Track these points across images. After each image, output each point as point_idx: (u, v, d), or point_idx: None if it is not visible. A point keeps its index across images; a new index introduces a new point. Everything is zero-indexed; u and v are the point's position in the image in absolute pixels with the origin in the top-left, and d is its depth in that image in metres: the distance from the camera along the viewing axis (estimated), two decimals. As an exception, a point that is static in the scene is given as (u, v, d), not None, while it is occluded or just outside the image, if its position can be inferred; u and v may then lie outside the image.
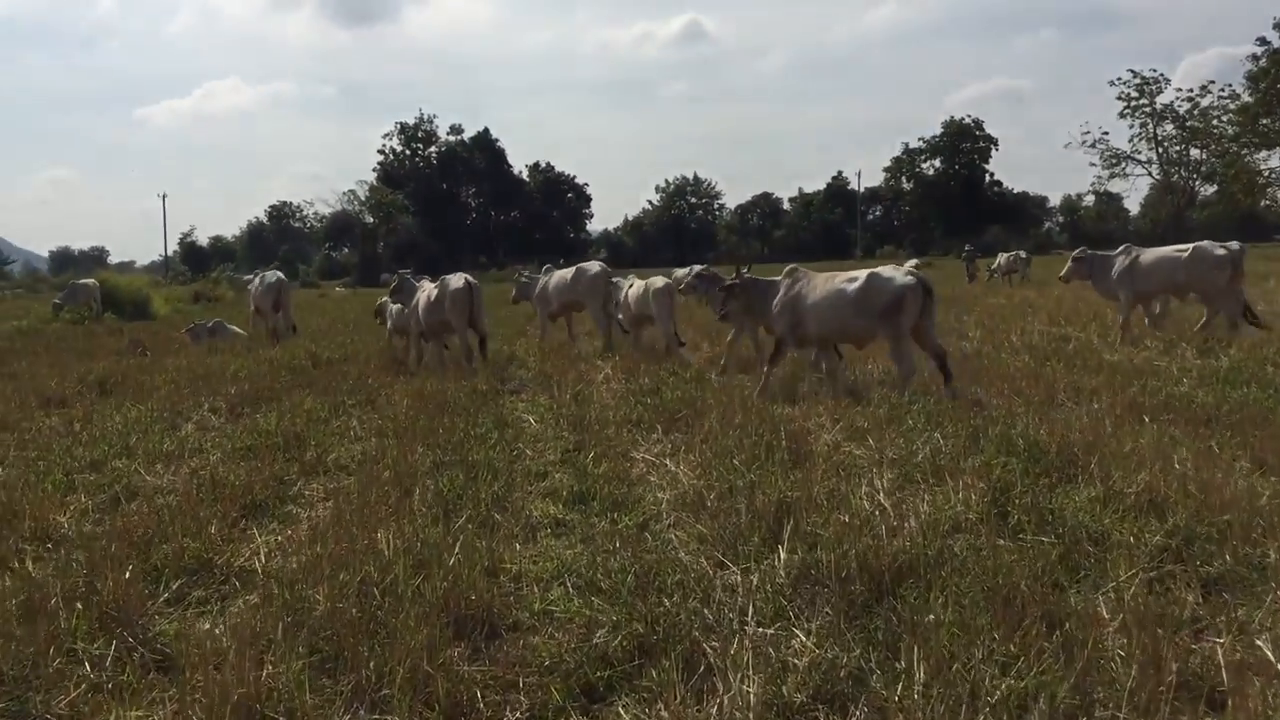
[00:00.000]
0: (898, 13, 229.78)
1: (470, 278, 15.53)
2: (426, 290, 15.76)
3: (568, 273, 18.13)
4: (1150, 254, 16.04)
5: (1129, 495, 6.19)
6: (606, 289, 17.38)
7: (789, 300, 11.61)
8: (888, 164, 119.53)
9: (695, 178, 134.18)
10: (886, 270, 11.23)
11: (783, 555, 5.40)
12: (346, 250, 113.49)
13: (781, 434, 8.24)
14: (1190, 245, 15.68)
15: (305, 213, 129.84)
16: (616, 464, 8.08)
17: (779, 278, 12.13)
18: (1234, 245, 15.75)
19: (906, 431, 8.66)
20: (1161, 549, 5.29)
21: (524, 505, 7.03)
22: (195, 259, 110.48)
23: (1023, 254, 40.93)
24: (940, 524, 5.92)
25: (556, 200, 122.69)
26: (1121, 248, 16.56)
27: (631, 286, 16.68)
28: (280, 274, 22.55)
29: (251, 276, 25.09)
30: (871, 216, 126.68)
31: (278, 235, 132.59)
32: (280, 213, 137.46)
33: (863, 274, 11.14)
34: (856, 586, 5.00)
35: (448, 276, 15.71)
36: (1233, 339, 13.92)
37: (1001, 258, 41.06)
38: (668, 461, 8.16)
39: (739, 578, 5.28)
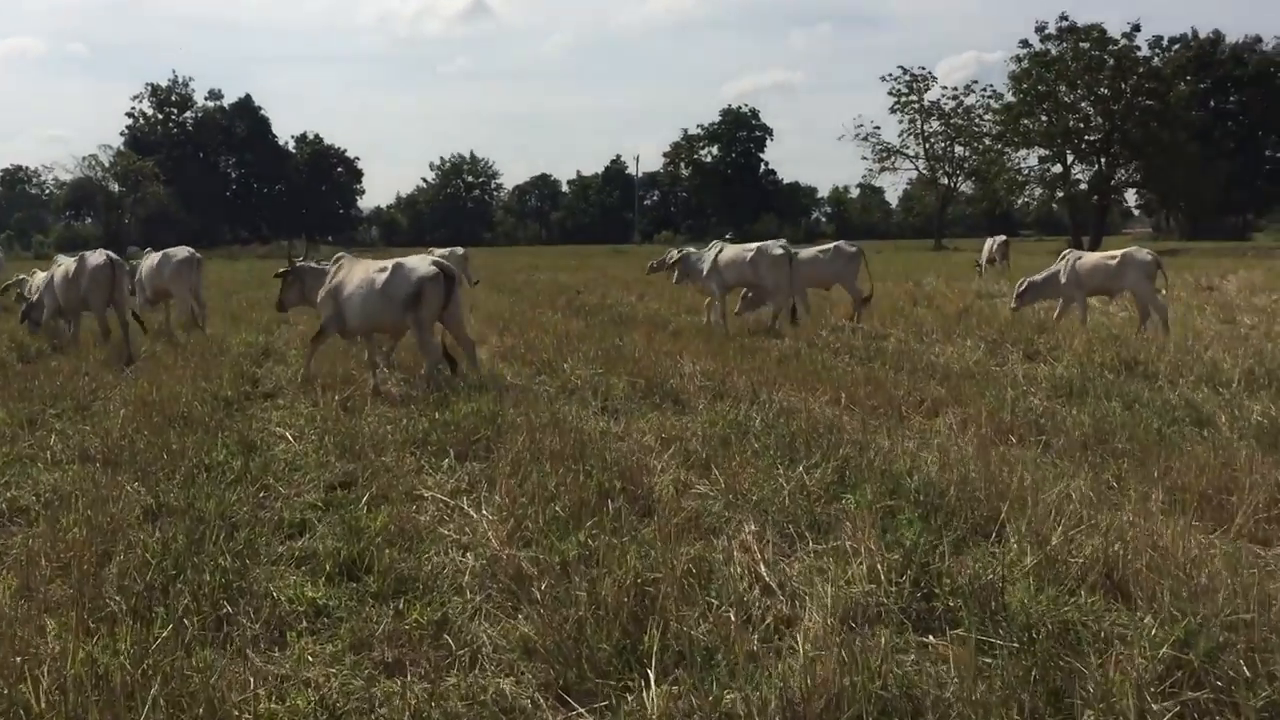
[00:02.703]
0: (680, 2, 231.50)
1: (112, 254, 14.60)
2: (64, 266, 14.61)
3: (745, 250, 16.96)
4: (727, 251, 17.16)
5: (1073, 564, 4.80)
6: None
7: (331, 289, 11.30)
8: (667, 149, 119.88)
9: (472, 156, 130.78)
10: (411, 260, 11.17)
11: (653, 690, 3.68)
12: (89, 220, 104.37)
13: (610, 467, 6.54)
14: (755, 246, 16.85)
15: (44, 178, 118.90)
16: (399, 508, 6.17)
17: (329, 264, 11.96)
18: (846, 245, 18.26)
19: (753, 459, 7.14)
20: (1171, 664, 3.86)
21: (269, 582, 5.03)
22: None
23: (783, 241, 40.27)
24: (851, 613, 4.37)
25: (325, 174, 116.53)
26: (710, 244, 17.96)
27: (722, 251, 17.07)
28: (190, 249, 17.85)
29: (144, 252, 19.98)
30: (649, 201, 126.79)
31: (9, 201, 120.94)
32: (14, 177, 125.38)
33: (390, 264, 11.03)
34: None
35: (87, 253, 14.84)
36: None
37: None
38: (466, 504, 6.32)
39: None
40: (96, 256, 14.36)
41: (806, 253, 18.44)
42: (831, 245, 18.69)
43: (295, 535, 5.92)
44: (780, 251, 16.37)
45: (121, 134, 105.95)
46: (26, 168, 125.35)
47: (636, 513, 5.89)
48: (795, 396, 10.00)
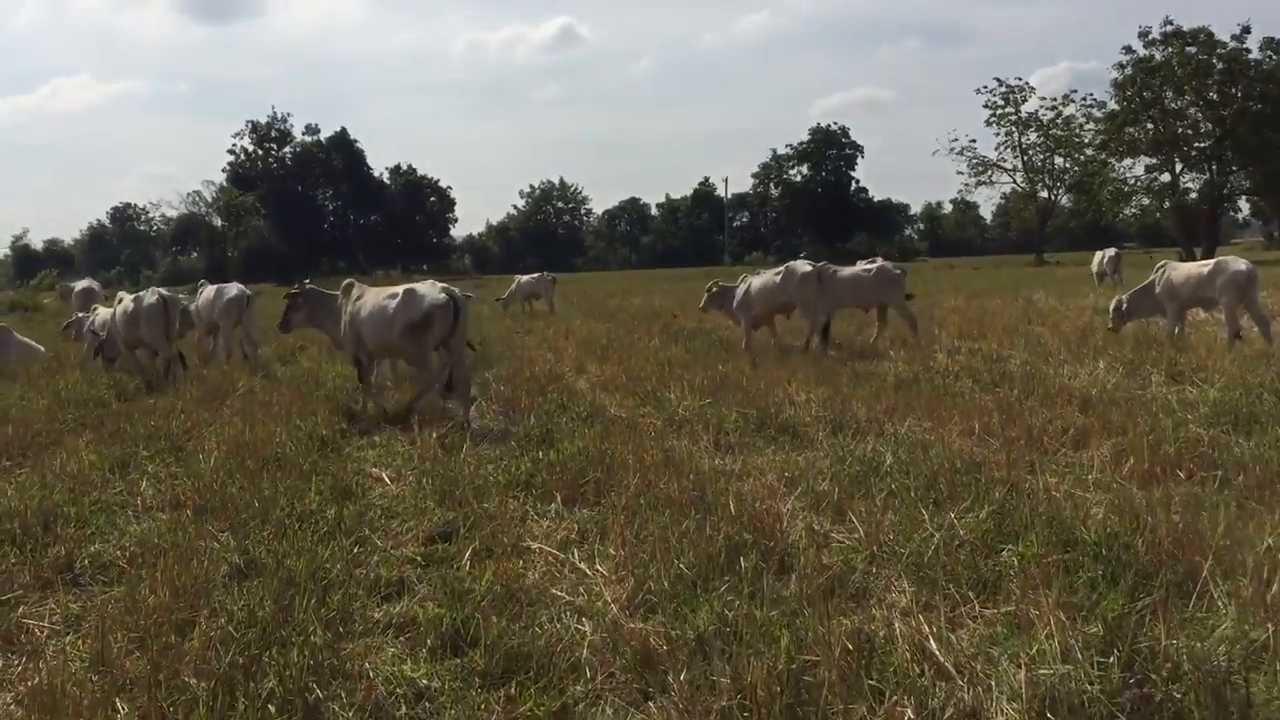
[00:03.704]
0: (767, 21, 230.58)
1: (164, 292, 14.98)
2: (124, 304, 14.87)
3: (774, 273, 16.77)
4: (757, 279, 16.78)
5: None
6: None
7: (350, 316, 11.36)
8: (756, 170, 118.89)
9: (562, 182, 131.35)
10: (422, 287, 11.14)
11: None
12: (194, 255, 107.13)
13: (738, 516, 5.88)
14: (783, 266, 16.64)
15: (151, 215, 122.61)
16: (504, 564, 5.59)
17: (338, 292, 11.95)
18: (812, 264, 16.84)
19: (892, 502, 6.43)
20: None
21: (365, 658, 4.46)
22: (26, 264, 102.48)
23: (879, 260, 39.10)
24: (1048, 704, 3.64)
25: (419, 204, 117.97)
26: (741, 277, 17.54)
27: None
28: (241, 285, 18.19)
29: (199, 286, 20.40)
30: (739, 223, 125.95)
31: (121, 239, 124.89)
32: (123, 215, 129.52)
33: (401, 290, 11.10)
34: None
35: (142, 292, 15.04)
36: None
37: (860, 266, 39.50)
38: (578, 558, 5.72)
39: None
40: (150, 295, 14.68)
41: (848, 271, 17.76)
42: (874, 264, 17.87)
43: (393, 597, 5.36)
44: (809, 269, 16.04)
45: (224, 170, 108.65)
46: (135, 205, 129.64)
47: (771, 569, 5.22)
48: (922, 427, 9.25)
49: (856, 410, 9.94)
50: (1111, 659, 3.85)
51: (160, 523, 6.96)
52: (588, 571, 5.46)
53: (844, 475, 7.22)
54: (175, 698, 4.07)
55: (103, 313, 16.74)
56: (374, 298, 11.23)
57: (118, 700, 4.14)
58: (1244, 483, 6.58)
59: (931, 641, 4.07)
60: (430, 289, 11.00)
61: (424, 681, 4.22)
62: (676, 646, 4.21)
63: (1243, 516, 5.62)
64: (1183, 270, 15.16)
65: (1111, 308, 16.07)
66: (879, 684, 3.82)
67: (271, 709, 3.92)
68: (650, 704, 3.90)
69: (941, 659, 3.93)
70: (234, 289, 17.28)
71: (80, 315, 17.99)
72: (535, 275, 32.69)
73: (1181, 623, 4.26)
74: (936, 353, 14.95)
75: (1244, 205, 76.34)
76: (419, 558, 5.94)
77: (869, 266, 17.76)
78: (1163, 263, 16.20)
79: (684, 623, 4.49)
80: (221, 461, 8.56)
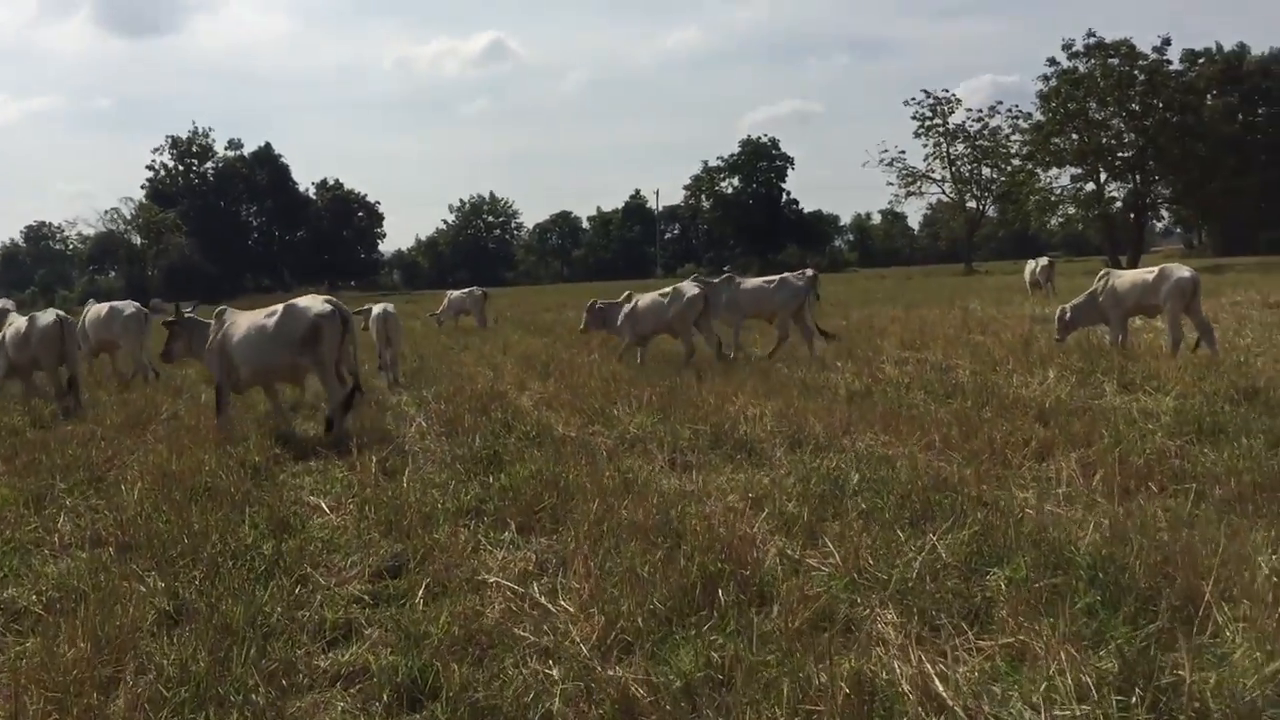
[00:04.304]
0: (697, 36, 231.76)
1: (61, 313, 14.42)
2: (15, 326, 14.44)
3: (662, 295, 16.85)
4: (644, 299, 16.80)
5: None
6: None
7: (218, 343, 11.11)
8: (687, 182, 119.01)
9: (492, 196, 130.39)
10: (303, 301, 10.96)
11: None
12: (113, 274, 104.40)
13: (711, 545, 5.52)
14: (671, 289, 16.70)
15: (67, 234, 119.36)
16: (460, 602, 5.18)
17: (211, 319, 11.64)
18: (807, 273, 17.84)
19: (864, 524, 6.13)
20: None
21: (312, 717, 4.03)
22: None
23: (809, 271, 39.55)
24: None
25: (346, 220, 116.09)
26: (624, 295, 17.44)
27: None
28: (137, 304, 18.12)
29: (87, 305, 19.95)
30: (670, 235, 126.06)
31: (35, 258, 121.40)
32: (38, 233, 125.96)
33: (280, 307, 10.88)
34: None
35: (36, 313, 14.68)
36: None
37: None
38: (539, 593, 5.33)
39: None
40: (46, 316, 14.25)
41: (751, 283, 17.87)
42: (779, 277, 17.91)
43: (340, 642, 4.92)
44: (696, 292, 16.18)
45: (143, 187, 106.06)
46: (50, 223, 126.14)
47: (750, 602, 4.88)
48: (881, 441, 9.01)
49: (812, 425, 9.66)
50: (1133, 698, 3.55)
51: (80, 562, 6.44)
52: (551, 608, 5.07)
53: (811, 495, 6.92)
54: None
55: None
56: (248, 320, 11.04)
57: (33, 775, 3.67)
58: (1222, 496, 6.39)
59: (937, 682, 3.75)
60: (312, 301, 10.84)
61: (381, 745, 3.81)
62: (660, 694, 3.84)
63: (1233, 533, 5.39)
64: (1127, 278, 15.16)
65: (1056, 318, 16.04)
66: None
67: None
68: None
69: (951, 703, 3.61)
70: (131, 306, 17.23)
71: None
72: (465, 291, 32.15)
73: (1190, 652, 3.99)
74: (884, 364, 14.77)
75: (1165, 214, 78.03)
76: (367, 596, 5.50)
77: (772, 279, 17.88)
78: (1105, 271, 16.21)
79: (665, 666, 4.13)
80: (146, 493, 8.02)
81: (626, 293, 17.73)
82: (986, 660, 4.18)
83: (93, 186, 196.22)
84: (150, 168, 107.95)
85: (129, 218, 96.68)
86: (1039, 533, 5.53)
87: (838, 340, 17.66)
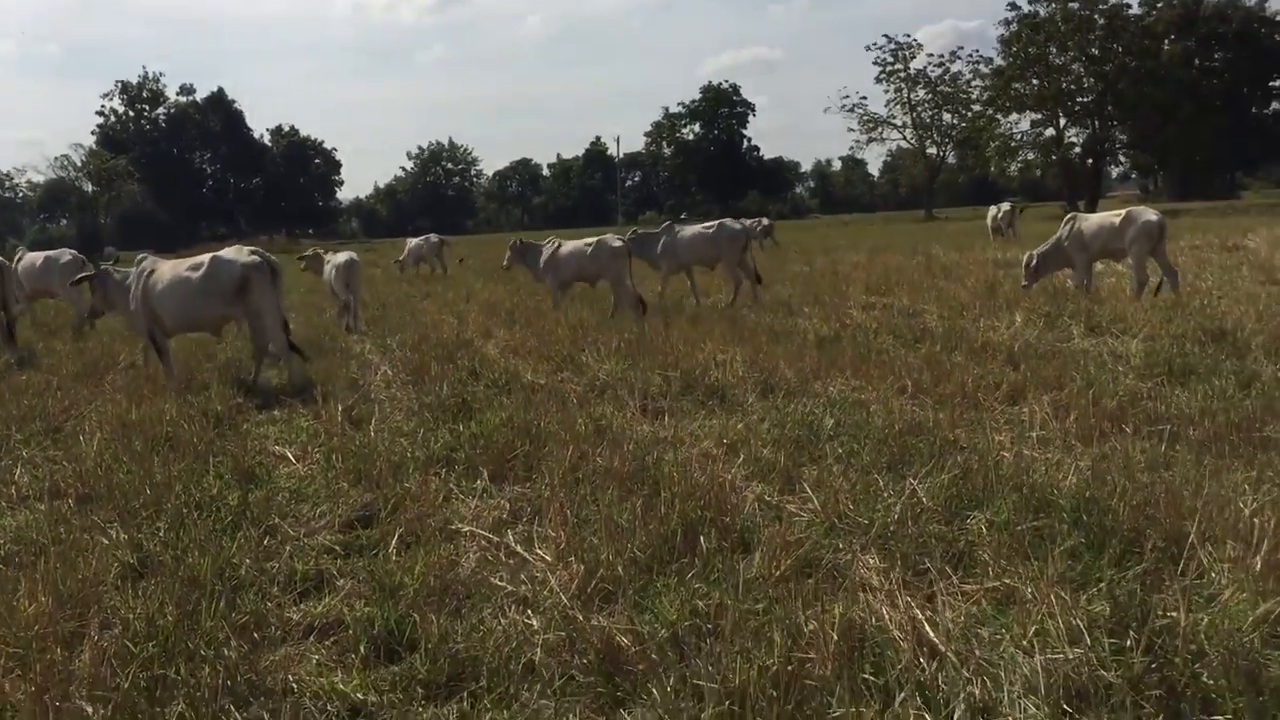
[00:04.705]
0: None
1: (0, 259, 14.56)
2: None
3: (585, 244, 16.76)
4: (566, 245, 16.81)
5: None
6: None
7: (141, 294, 10.85)
8: (648, 129, 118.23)
9: (451, 143, 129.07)
10: (228, 252, 10.82)
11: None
12: (64, 222, 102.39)
13: (692, 493, 5.43)
14: (595, 240, 16.49)
15: (16, 181, 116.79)
16: (434, 551, 5.06)
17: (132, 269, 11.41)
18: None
19: (840, 470, 6.07)
20: None
21: (286, 670, 3.92)
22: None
23: (765, 221, 40.23)
24: (1069, 696, 3.29)
25: (303, 167, 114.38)
26: (548, 239, 17.49)
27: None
28: (74, 251, 18.40)
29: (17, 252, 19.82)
30: (631, 182, 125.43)
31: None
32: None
33: (205, 259, 10.72)
34: None
35: None
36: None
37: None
38: (514, 541, 5.23)
39: None
40: None
41: (689, 230, 17.90)
42: (716, 223, 17.95)
43: (312, 593, 4.79)
44: (619, 244, 16.07)
45: (93, 133, 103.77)
46: None
47: (731, 547, 4.80)
48: (852, 386, 8.96)
49: (783, 371, 9.59)
50: (1127, 641, 3.50)
51: (39, 514, 6.25)
52: (528, 557, 4.97)
53: (786, 440, 6.85)
54: (64, 727, 3.48)
55: None
56: (171, 271, 10.77)
57: (-5, 734, 3.54)
58: (1197, 437, 6.38)
59: (927, 628, 3.70)
60: (238, 253, 10.68)
61: (358, 695, 3.70)
62: (645, 643, 3.75)
63: (1212, 474, 5.37)
64: (1093, 221, 15.15)
65: (1024, 264, 16.01)
66: (876, 678, 3.44)
67: (178, 740, 3.37)
68: (623, 712, 3.44)
69: (943, 648, 3.55)
70: (68, 254, 17.40)
71: None
72: (423, 238, 31.78)
73: (1183, 593, 3.95)
74: (851, 310, 14.75)
75: (1123, 159, 78.53)
76: (337, 546, 5.37)
77: (710, 225, 17.87)
78: (1071, 215, 16.19)
79: (648, 614, 4.05)
80: (105, 443, 7.81)
81: (550, 237, 17.83)
82: (973, 604, 4.13)
83: (42, 134, 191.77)
84: (100, 113, 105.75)
85: (80, 164, 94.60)
86: (1018, 475, 5.48)
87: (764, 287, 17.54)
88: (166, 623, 4.17)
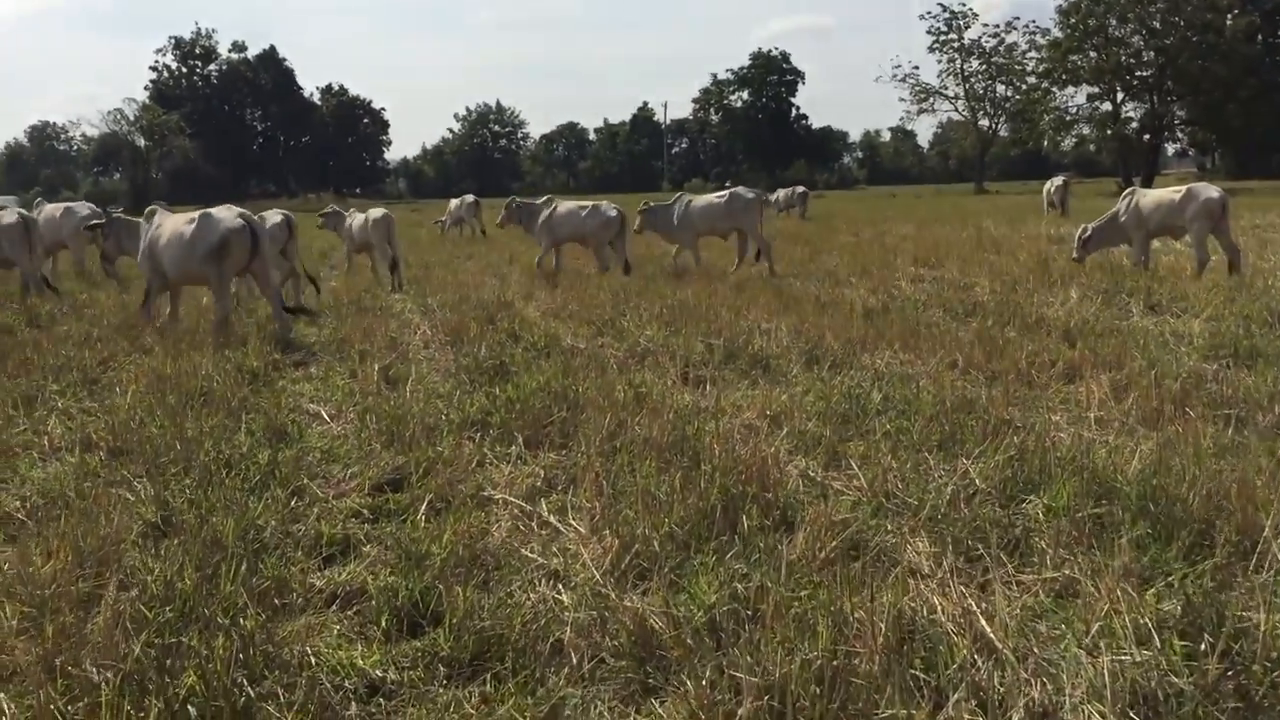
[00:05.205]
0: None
1: (25, 213, 15.07)
2: None
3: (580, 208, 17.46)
4: (562, 206, 17.34)
5: None
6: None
7: (149, 244, 11.21)
8: (696, 95, 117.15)
9: (499, 105, 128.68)
10: (218, 212, 10.92)
11: None
12: (117, 175, 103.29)
13: (733, 467, 5.20)
14: (590, 204, 17.37)
15: (70, 134, 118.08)
16: (464, 519, 4.88)
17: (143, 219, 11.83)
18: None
19: (889, 446, 5.82)
20: None
21: (305, 641, 3.75)
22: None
23: (799, 189, 40.26)
24: (1136, 702, 3.05)
25: (351, 126, 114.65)
26: (544, 199, 18.02)
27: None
28: (92, 205, 19.01)
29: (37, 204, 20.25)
30: (678, 149, 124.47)
31: (39, 158, 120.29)
32: (42, 134, 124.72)
33: (197, 215, 10.92)
34: None
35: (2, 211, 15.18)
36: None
37: (780, 194, 40.91)
38: (547, 511, 5.04)
39: None
40: (9, 215, 14.70)
41: (701, 200, 17.88)
42: (728, 192, 17.82)
43: (337, 558, 4.63)
44: (614, 214, 16.70)
45: (146, 88, 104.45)
46: (55, 124, 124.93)
47: (773, 525, 4.58)
48: (900, 360, 8.68)
49: (829, 341, 9.33)
50: (1202, 645, 3.24)
51: (68, 467, 6.14)
52: (561, 528, 4.78)
53: (832, 414, 6.61)
54: (72, 695, 3.34)
55: None
56: (173, 224, 11.05)
57: (2, 697, 3.40)
58: (1267, 423, 6.07)
59: (982, 621, 3.45)
60: (226, 214, 10.81)
61: (377, 672, 3.52)
62: (681, 628, 3.54)
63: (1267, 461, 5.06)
64: (1152, 197, 14.65)
65: (1076, 237, 15.55)
66: (927, 675, 3.21)
67: (191, 711, 3.21)
68: (654, 702, 3.24)
69: (1000, 645, 3.31)
70: (85, 208, 17.63)
71: None
72: (459, 200, 31.72)
73: (1262, 593, 3.68)
74: (899, 281, 14.42)
75: (1181, 135, 76.68)
76: (365, 510, 5.21)
77: (722, 194, 17.83)
78: (1130, 189, 15.70)
79: (685, 595, 3.84)
80: (140, 397, 7.71)
81: (546, 197, 18.24)
82: (1030, 595, 3.88)
83: (98, 89, 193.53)
84: (154, 69, 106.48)
85: (132, 119, 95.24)
86: (1077, 458, 5.20)
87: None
88: (185, 586, 4.02)
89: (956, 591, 3.70)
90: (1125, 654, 3.26)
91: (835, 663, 3.14)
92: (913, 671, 3.23)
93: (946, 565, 4.05)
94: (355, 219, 17.55)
